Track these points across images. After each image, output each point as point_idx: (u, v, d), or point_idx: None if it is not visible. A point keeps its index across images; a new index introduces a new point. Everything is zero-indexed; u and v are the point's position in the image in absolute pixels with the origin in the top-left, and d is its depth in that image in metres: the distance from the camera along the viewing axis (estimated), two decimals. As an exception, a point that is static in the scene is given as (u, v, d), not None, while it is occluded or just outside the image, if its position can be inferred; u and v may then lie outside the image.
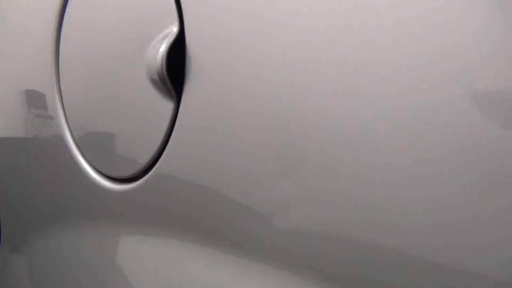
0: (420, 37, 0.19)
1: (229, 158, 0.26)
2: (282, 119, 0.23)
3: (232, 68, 0.26)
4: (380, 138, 0.20)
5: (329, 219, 0.22)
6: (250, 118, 0.25)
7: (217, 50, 0.27)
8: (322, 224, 0.22)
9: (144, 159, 0.31)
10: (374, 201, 0.20)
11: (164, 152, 0.30)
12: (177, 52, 0.28)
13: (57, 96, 0.39)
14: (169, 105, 0.29)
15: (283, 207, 0.24)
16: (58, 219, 0.42)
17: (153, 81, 0.29)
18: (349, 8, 0.21)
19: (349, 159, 0.21)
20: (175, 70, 0.28)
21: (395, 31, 0.19)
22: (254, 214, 0.26)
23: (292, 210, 0.24)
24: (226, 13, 0.26)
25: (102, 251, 0.36)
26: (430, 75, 0.18)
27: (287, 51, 0.23)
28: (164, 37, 0.28)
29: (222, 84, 0.26)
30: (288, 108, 0.23)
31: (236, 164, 0.26)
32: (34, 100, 0.44)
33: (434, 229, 0.18)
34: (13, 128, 0.48)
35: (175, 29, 0.28)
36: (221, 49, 0.26)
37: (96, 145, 0.36)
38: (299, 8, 0.23)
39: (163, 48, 0.28)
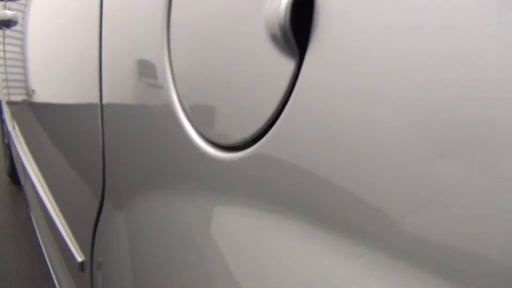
0: None
1: (359, 134, 0.21)
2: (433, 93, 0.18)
3: (372, 27, 0.20)
4: None
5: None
6: (390, 91, 0.20)
7: (356, 2, 0.21)
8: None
9: (255, 126, 0.28)
10: None
11: (279, 120, 0.26)
12: (303, 3, 0.24)
13: (167, 64, 0.38)
14: (289, 66, 0.25)
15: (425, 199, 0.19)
16: (161, 183, 0.41)
17: (273, 37, 0.25)
18: None
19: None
20: (299, 25, 0.24)
21: None
22: (383, 206, 0.21)
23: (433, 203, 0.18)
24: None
25: (200, 220, 0.34)
26: None
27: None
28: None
29: (359, 46, 0.21)
30: (444, 80, 0.17)
31: (365, 143, 0.21)
32: (144, 68, 0.44)
33: None
34: (124, 95, 0.49)
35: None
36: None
37: (204, 112, 0.34)
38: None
39: (287, -4, 0.24)
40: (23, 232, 1.95)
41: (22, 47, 1.21)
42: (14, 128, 1.42)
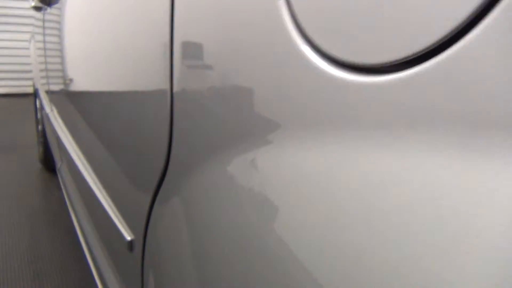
0: None
1: None
2: None
3: None
4: None
5: None
6: None
7: None
8: None
9: (423, 42, 0.20)
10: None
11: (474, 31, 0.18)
12: None
13: None
14: None
15: None
16: (254, 139, 0.34)
17: None
18: None
19: None
20: None
21: None
22: None
23: None
24: None
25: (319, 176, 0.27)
26: None
27: None
28: None
29: None
30: None
31: None
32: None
33: None
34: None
35: None
36: None
37: (323, 21, 0.26)
38: None
39: None
40: (56, 218, 1.94)
41: (60, 36, 1.18)
42: (51, 110, 1.39)
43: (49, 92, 1.51)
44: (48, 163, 2.46)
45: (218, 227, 0.37)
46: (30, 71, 5.33)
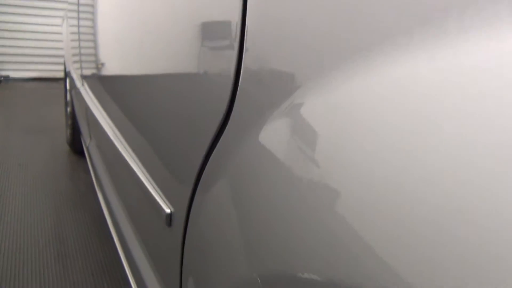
0: None
1: None
2: None
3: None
4: None
5: None
6: None
7: None
8: None
9: None
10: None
11: None
12: None
13: None
14: None
15: None
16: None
17: None
18: None
19: None
20: None
21: None
22: None
23: None
24: None
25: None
26: None
27: None
28: None
29: None
30: None
31: None
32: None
33: None
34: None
35: None
36: None
37: None
38: None
39: None
40: (82, 200, 1.92)
41: (95, 17, 1.13)
42: (83, 85, 1.35)
43: (82, 69, 1.48)
44: (76, 145, 2.45)
45: (281, 204, 0.30)
46: (60, 56, 5.42)
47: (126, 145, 0.82)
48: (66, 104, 2.73)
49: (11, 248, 1.48)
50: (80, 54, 1.42)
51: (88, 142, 1.39)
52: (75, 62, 1.67)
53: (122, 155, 0.80)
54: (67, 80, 2.48)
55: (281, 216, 0.30)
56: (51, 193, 1.96)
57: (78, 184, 2.10)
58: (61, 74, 5.55)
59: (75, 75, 1.67)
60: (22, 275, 1.33)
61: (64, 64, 2.72)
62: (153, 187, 0.63)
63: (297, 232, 0.28)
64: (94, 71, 1.17)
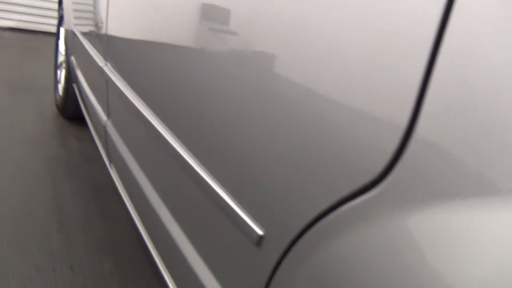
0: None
1: None
2: None
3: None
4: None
5: None
6: None
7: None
8: None
9: None
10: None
11: None
12: None
13: None
14: None
15: None
16: None
17: None
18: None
19: None
20: None
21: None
22: None
23: None
24: None
25: None
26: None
27: None
28: None
29: None
30: None
31: None
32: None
33: None
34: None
35: None
36: None
37: None
38: None
39: None
40: (78, 171, 1.86)
41: None
42: (106, 65, 1.26)
43: (107, 45, 1.30)
44: (68, 111, 2.35)
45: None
46: (43, 8, 4.97)
47: (175, 136, 0.76)
48: (57, 66, 2.59)
49: (10, 215, 1.43)
50: (106, 25, 1.26)
51: (104, 121, 1.33)
52: (90, 29, 1.52)
53: (177, 150, 0.75)
54: (65, 41, 2.33)
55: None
56: (46, 161, 1.89)
57: (71, 152, 2.03)
58: (41, 28, 5.13)
59: (92, 51, 1.48)
60: (25, 244, 1.29)
61: (59, 20, 2.56)
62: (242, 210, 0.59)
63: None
64: (138, 51, 1.05)
